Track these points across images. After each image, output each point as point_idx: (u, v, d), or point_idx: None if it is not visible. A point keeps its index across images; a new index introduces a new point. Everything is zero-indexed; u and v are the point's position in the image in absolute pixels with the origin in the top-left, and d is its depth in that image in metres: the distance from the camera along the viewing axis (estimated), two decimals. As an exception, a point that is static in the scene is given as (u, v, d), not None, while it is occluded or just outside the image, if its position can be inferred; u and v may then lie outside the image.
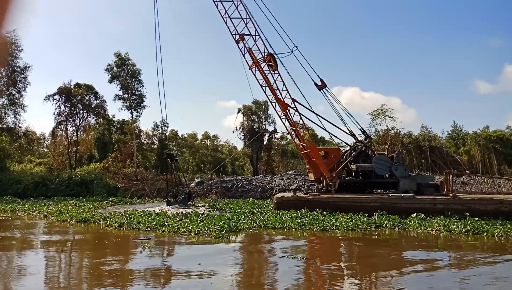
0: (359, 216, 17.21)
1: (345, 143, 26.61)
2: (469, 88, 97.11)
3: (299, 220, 15.58)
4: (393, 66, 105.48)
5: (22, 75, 39.85)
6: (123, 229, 15.40)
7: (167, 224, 15.35)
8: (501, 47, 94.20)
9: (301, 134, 24.43)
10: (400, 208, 18.33)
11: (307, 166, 24.88)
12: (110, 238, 14.18)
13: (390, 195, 19.76)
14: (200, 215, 17.40)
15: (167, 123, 50.82)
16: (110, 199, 29.18)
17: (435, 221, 15.90)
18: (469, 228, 14.48)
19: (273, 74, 23.90)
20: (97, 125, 48.00)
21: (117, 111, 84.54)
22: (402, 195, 19.52)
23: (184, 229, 14.39)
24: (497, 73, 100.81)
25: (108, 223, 16.29)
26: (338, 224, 15.05)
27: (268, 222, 15.70)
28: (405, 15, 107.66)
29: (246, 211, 19.98)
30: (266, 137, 53.30)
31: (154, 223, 15.63)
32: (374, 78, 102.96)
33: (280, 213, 18.14)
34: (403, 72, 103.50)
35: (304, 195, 21.51)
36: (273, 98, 24.07)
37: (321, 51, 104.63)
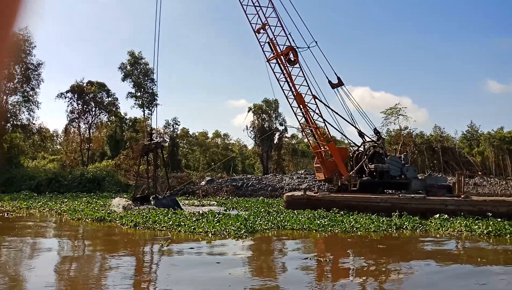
0: (379, 217, 17.08)
1: (354, 143, 26.40)
2: (481, 88, 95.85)
3: (318, 221, 15.45)
4: (403, 65, 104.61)
5: (36, 72, 40.22)
6: (138, 228, 15.41)
7: (183, 224, 15.31)
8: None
9: (320, 132, 24.03)
10: (410, 208, 18.20)
11: (316, 165, 24.57)
12: (129, 237, 14.21)
13: (400, 195, 19.71)
14: (217, 215, 17.36)
15: (179, 122, 50.92)
16: (125, 196, 29.32)
17: (458, 221, 15.74)
18: (491, 229, 14.26)
19: (290, 69, 23.05)
20: (109, 123, 48.35)
21: (129, 109, 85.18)
22: (412, 195, 19.50)
23: (200, 229, 14.33)
24: (509, 73, 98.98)
25: (124, 222, 16.31)
26: (359, 225, 14.93)
27: (285, 223, 15.60)
28: (415, 14, 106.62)
29: (262, 210, 19.88)
30: (276, 136, 53.23)
31: (170, 222, 15.61)
32: (384, 78, 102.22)
33: (297, 213, 18.03)
34: (414, 71, 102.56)
35: (314, 194, 21.57)
36: (291, 93, 23.23)
37: (329, 49, 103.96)
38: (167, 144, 50.31)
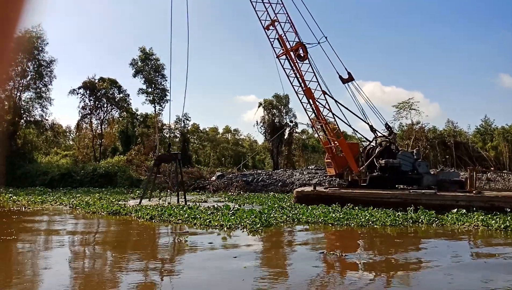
0: (394, 211, 17.00)
1: (365, 138, 26.24)
2: (494, 83, 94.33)
3: (334, 215, 15.44)
4: (414, 60, 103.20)
5: (48, 69, 40.68)
6: (154, 221, 15.56)
7: (198, 217, 15.42)
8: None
9: (330, 127, 23.96)
10: (421, 204, 17.95)
11: (327, 160, 24.49)
12: (148, 231, 14.34)
13: (411, 191, 19.54)
14: (232, 209, 17.44)
15: (189, 117, 51.12)
16: (138, 192, 29.61)
17: (475, 216, 15.60)
18: (508, 224, 14.09)
19: (300, 65, 22.97)
20: (120, 119, 48.78)
21: (140, 105, 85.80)
22: (423, 191, 19.30)
23: (215, 223, 14.39)
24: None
25: (139, 215, 16.47)
26: (375, 219, 14.89)
27: (300, 216, 15.62)
28: (425, 8, 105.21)
29: (276, 206, 19.91)
30: (286, 131, 53.17)
31: (186, 215, 15.73)
32: (395, 72, 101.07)
33: (311, 208, 18.02)
34: (425, 66, 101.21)
35: (324, 190, 21.48)
36: (300, 89, 23.14)
37: (339, 44, 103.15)
38: (177, 139, 50.64)
